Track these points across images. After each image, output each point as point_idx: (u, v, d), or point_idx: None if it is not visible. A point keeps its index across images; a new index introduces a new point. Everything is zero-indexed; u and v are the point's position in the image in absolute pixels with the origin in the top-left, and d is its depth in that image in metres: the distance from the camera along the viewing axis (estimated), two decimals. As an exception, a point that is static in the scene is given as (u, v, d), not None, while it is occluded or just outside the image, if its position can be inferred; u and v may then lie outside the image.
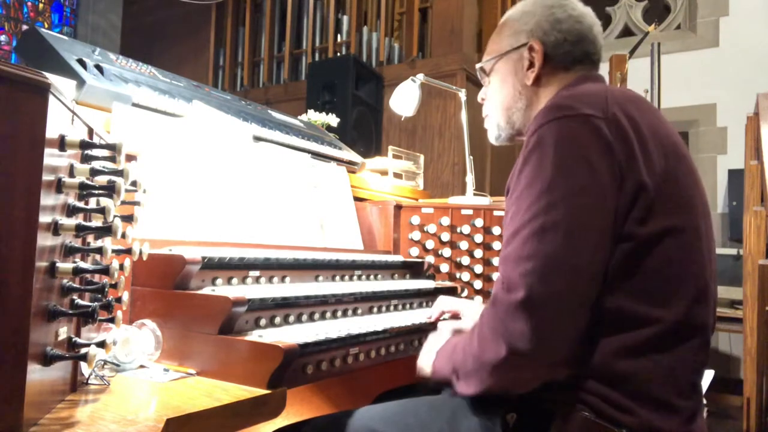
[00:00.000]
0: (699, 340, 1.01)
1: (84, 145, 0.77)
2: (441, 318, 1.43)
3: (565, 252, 0.90)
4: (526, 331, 0.89)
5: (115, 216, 0.83)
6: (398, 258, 1.79)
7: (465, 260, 1.89)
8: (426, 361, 1.17)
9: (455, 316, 1.42)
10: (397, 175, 2.43)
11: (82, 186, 0.75)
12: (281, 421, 1.08)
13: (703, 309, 1.02)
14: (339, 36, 5.05)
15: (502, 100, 1.28)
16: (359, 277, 1.60)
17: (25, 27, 6.79)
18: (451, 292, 1.75)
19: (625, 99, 1.05)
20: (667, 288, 0.97)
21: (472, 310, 1.38)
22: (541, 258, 0.90)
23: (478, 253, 1.91)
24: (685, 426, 0.97)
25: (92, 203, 0.85)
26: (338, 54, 4.96)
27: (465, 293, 1.89)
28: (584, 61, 1.21)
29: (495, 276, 1.89)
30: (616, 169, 0.94)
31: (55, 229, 0.72)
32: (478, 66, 1.35)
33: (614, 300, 0.96)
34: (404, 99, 2.38)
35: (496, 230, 1.91)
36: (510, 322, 0.90)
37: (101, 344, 0.80)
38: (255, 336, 1.01)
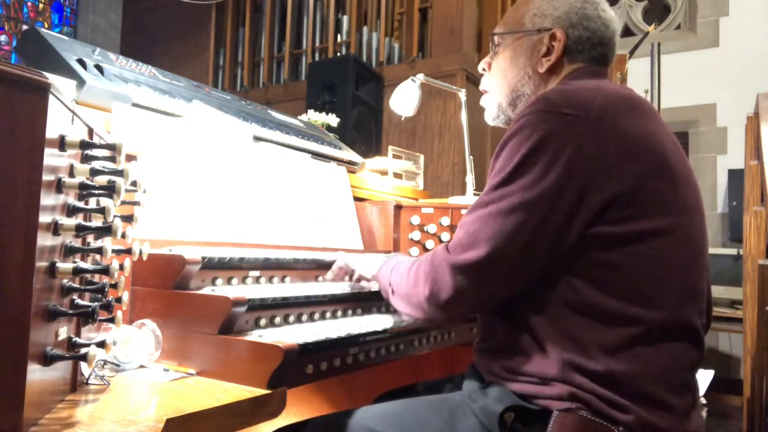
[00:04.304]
0: (689, 338, 1.02)
1: (84, 145, 0.77)
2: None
3: (501, 240, 0.99)
4: (448, 286, 1.04)
5: (115, 216, 0.83)
6: (398, 258, 1.79)
7: (465, 260, 1.89)
8: (368, 270, 1.35)
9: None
10: (397, 175, 2.43)
11: (82, 186, 0.75)
12: (281, 421, 1.08)
13: (691, 309, 1.03)
14: (339, 36, 5.05)
15: (508, 80, 1.25)
16: (359, 277, 1.60)
17: (25, 27, 6.79)
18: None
19: (617, 99, 1.05)
20: (650, 288, 0.98)
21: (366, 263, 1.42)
22: (481, 239, 1.01)
23: (478, 253, 1.90)
24: (680, 423, 0.98)
25: (92, 203, 0.85)
26: (338, 54, 4.96)
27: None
28: (598, 60, 1.21)
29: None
30: (580, 172, 0.96)
31: (55, 229, 0.72)
32: (491, 34, 1.30)
33: (596, 298, 0.97)
34: (404, 99, 2.38)
35: (496, 230, 1.90)
36: (439, 274, 1.05)
37: (101, 344, 0.80)
38: (255, 336, 1.01)
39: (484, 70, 1.33)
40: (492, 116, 1.32)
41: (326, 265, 1.48)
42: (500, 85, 1.27)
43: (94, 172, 0.78)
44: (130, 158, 1.04)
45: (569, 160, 0.96)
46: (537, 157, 0.98)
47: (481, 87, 1.34)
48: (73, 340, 0.80)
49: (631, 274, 0.98)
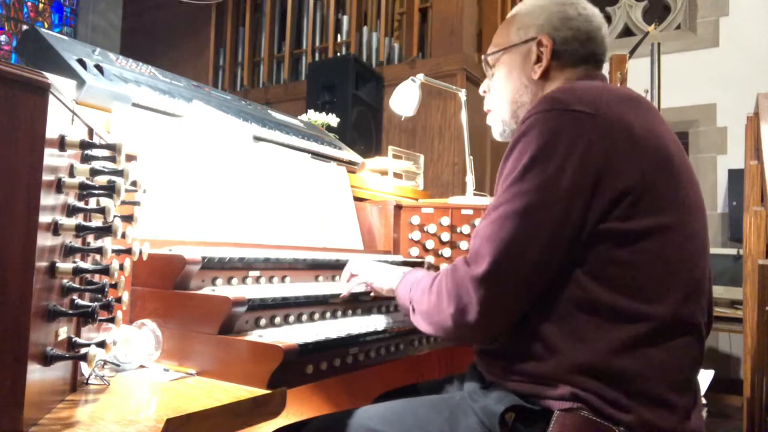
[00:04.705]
0: (692, 336, 1.02)
1: (84, 145, 0.77)
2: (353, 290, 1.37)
3: (520, 241, 0.97)
4: (473, 302, 0.99)
5: (115, 216, 0.83)
6: (398, 258, 1.79)
7: (465, 260, 1.89)
8: (385, 281, 1.31)
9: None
10: (397, 175, 2.43)
11: (82, 186, 0.75)
12: (281, 421, 1.08)
13: (694, 306, 1.03)
14: (339, 36, 5.05)
15: (507, 94, 1.27)
16: (359, 277, 1.60)
17: (25, 27, 6.79)
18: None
19: (621, 98, 1.06)
20: (656, 285, 0.99)
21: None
22: (498, 242, 0.98)
23: (478, 253, 1.90)
24: (681, 423, 0.98)
25: (92, 203, 0.85)
26: (338, 54, 4.96)
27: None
28: (589, 61, 1.22)
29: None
30: (592, 168, 0.96)
31: (55, 229, 0.72)
32: (483, 57, 1.34)
33: (604, 296, 0.97)
34: (404, 99, 2.38)
35: (496, 230, 1.90)
36: (463, 290, 1.01)
37: (101, 344, 0.80)
38: (255, 336, 1.01)
39: (484, 92, 1.37)
40: (498, 132, 1.34)
41: (326, 265, 1.48)
42: (501, 101, 1.30)
43: (94, 172, 0.78)
44: (130, 158, 1.04)
45: (581, 157, 0.97)
46: (549, 155, 0.98)
47: (485, 108, 1.37)
48: (73, 340, 0.80)
49: (639, 270, 0.98)
